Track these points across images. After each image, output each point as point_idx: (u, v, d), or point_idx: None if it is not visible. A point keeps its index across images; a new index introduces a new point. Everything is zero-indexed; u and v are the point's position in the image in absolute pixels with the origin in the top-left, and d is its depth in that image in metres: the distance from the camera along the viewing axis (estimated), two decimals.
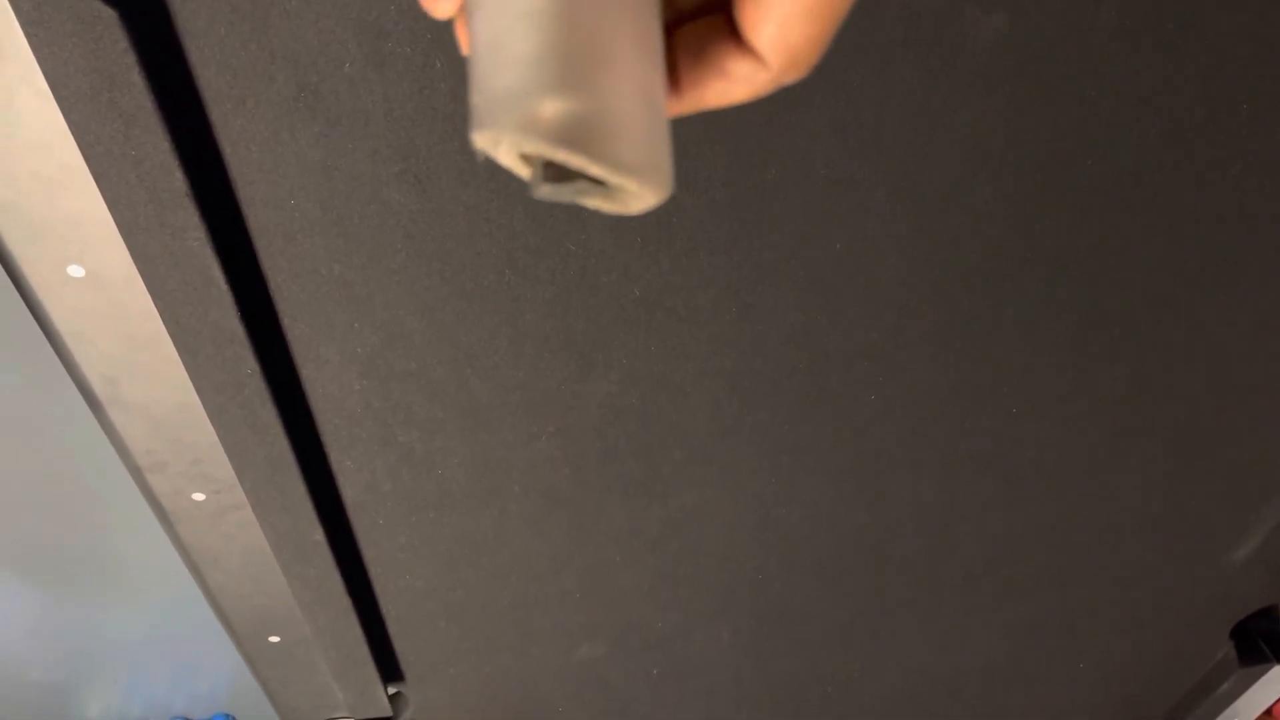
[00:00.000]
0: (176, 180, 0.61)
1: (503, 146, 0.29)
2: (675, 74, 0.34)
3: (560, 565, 0.89)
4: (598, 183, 0.29)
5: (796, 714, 1.12)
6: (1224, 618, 1.07)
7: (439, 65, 0.60)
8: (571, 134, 0.28)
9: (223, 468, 0.73)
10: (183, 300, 0.66)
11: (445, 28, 0.59)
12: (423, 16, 0.59)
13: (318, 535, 0.78)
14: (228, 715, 1.37)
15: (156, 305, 0.65)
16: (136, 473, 0.74)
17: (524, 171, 0.30)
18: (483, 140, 0.29)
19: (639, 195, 0.30)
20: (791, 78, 0.33)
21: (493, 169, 0.64)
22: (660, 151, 0.30)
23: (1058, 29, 0.61)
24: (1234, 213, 0.70)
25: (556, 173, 0.29)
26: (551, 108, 0.27)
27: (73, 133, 0.59)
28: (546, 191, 0.29)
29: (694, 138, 0.64)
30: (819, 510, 0.87)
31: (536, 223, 0.67)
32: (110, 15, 0.55)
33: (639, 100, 0.29)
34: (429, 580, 0.88)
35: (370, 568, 0.85)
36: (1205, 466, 0.89)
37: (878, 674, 1.08)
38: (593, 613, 0.94)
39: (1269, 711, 1.25)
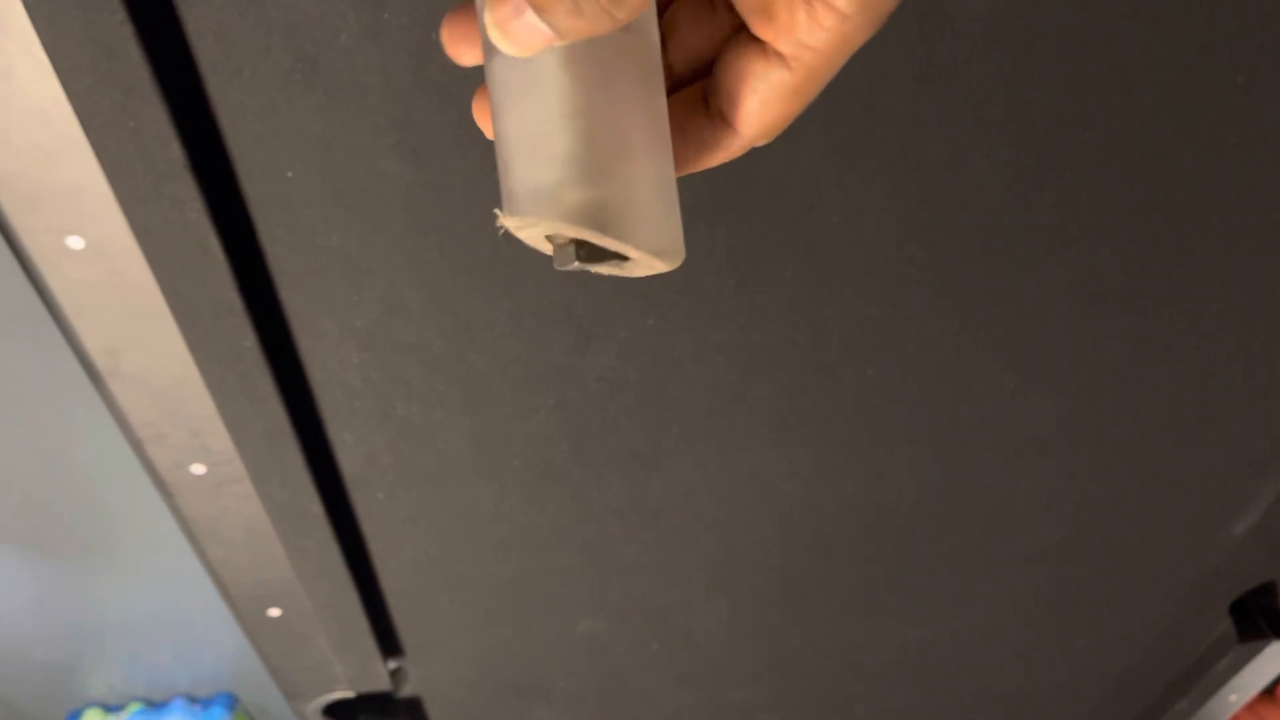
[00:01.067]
0: (175, 151, 0.61)
1: (538, 230, 0.34)
2: None
3: (560, 539, 0.89)
4: (619, 258, 0.34)
5: (797, 687, 1.13)
6: (1223, 593, 1.07)
7: (435, 38, 0.60)
8: (604, 222, 0.32)
9: (222, 440, 0.73)
10: (181, 272, 0.66)
11: (443, 1, 0.59)
12: None
13: (317, 508, 0.79)
14: (230, 694, 1.38)
15: (155, 276, 0.65)
16: (137, 445, 0.74)
17: (547, 248, 0.35)
18: (518, 224, 0.34)
19: (655, 266, 0.35)
20: (764, 142, 0.37)
21: (490, 144, 0.64)
22: (674, 226, 0.35)
23: (1056, 3, 0.61)
24: (1235, 185, 0.70)
25: (584, 251, 0.34)
26: (588, 200, 0.32)
27: (71, 103, 0.59)
28: (574, 267, 0.34)
29: None
30: (818, 483, 0.88)
31: None
32: None
33: (654, 184, 0.34)
34: (429, 554, 0.88)
35: (370, 541, 0.85)
36: (1205, 440, 0.89)
37: (877, 648, 1.08)
38: (593, 587, 0.95)
39: (1269, 689, 1.25)
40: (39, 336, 0.69)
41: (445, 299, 0.71)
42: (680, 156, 0.37)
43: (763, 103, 0.34)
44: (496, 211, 0.35)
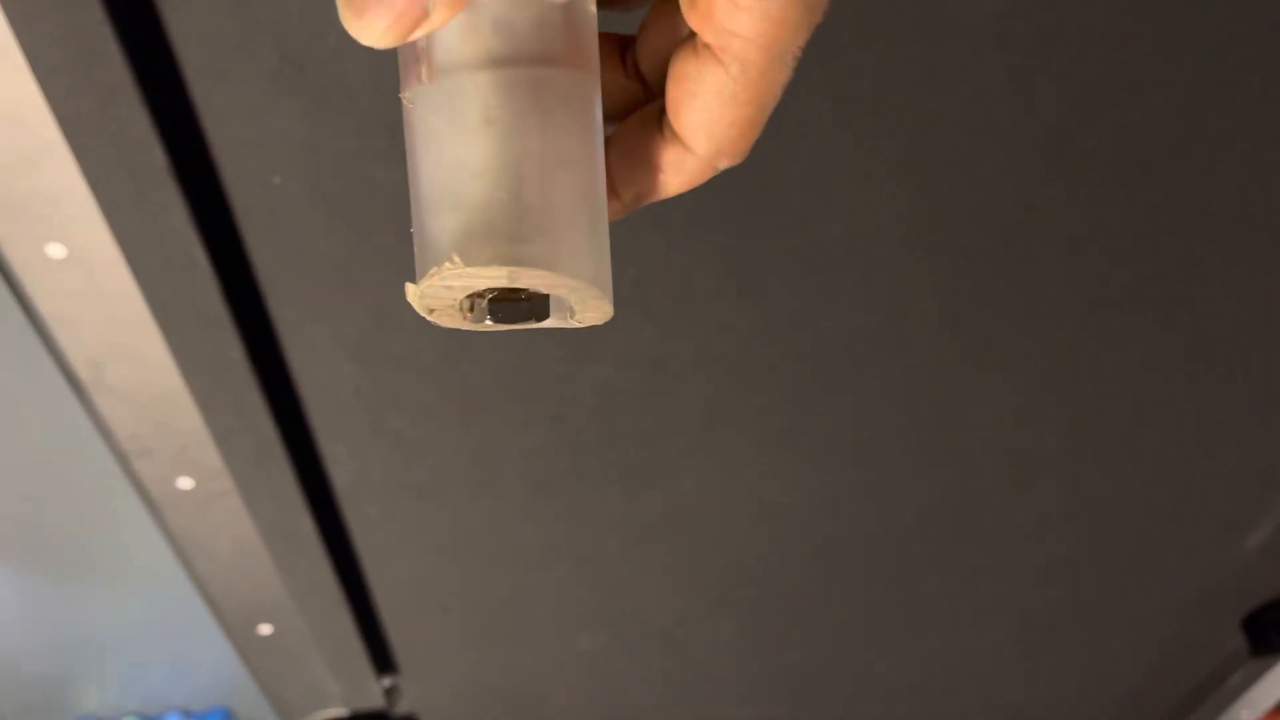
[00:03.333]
0: (157, 157, 0.59)
1: (450, 285, 0.30)
2: (609, 178, 0.33)
3: (556, 554, 0.87)
4: (538, 311, 0.31)
5: (798, 705, 1.11)
6: (1235, 608, 1.05)
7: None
8: (525, 259, 0.29)
9: (210, 454, 0.72)
10: (166, 281, 0.64)
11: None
12: None
13: (307, 523, 0.77)
14: (225, 709, 1.36)
15: (139, 286, 0.64)
16: (123, 459, 0.72)
17: (457, 321, 0.32)
18: (426, 288, 0.30)
19: (587, 306, 0.31)
20: (724, 164, 0.33)
21: None
22: (602, 280, 0.31)
23: (1063, 3, 0.59)
24: (1247, 191, 0.69)
25: (502, 293, 0.30)
26: (505, 243, 0.28)
27: (50, 107, 0.57)
28: (486, 326, 0.31)
29: None
30: (820, 498, 0.86)
31: None
32: None
33: (582, 239, 0.30)
34: (422, 570, 0.86)
35: (362, 557, 0.84)
36: (1217, 453, 0.87)
37: (881, 664, 1.06)
38: (590, 603, 0.93)
39: None
40: (21, 348, 0.68)
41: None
42: (635, 185, 0.34)
43: (704, 109, 0.30)
44: (409, 286, 0.31)
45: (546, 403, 0.76)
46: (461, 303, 0.31)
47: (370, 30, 0.27)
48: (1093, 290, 0.72)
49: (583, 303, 0.31)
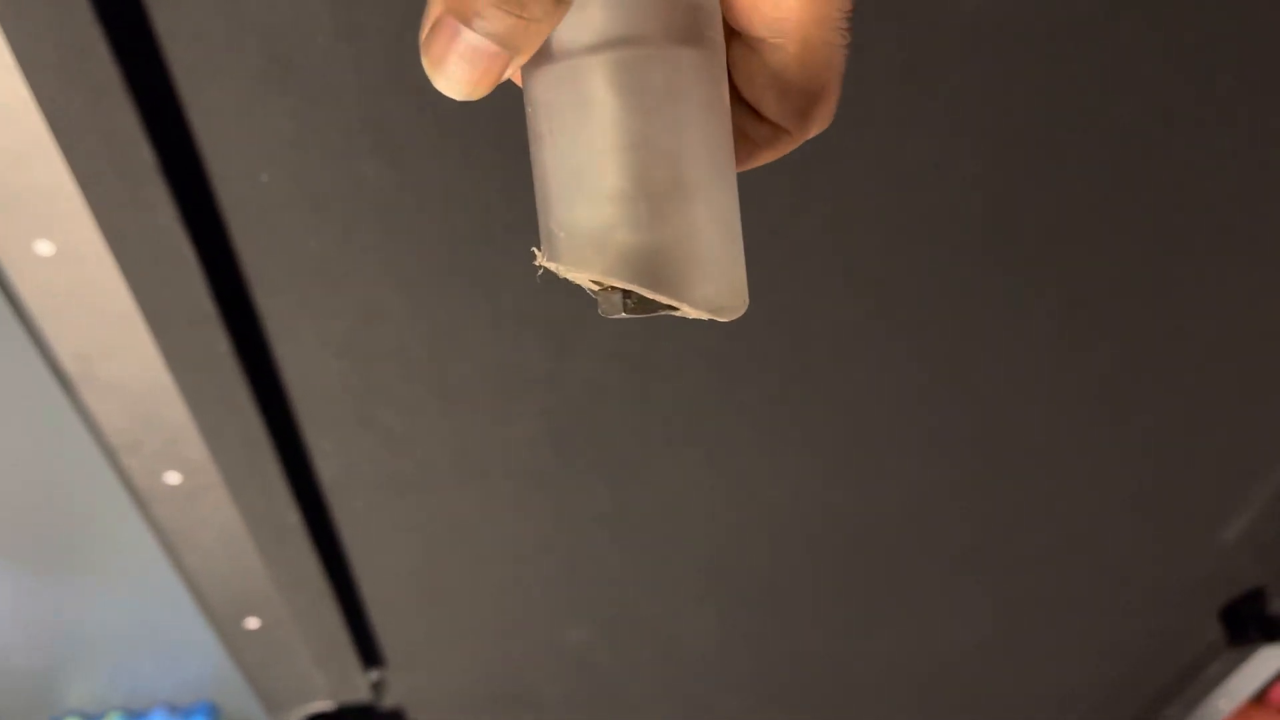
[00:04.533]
0: (146, 154, 0.60)
1: (580, 276, 0.29)
2: None
3: (543, 547, 0.88)
4: (673, 306, 0.29)
5: (785, 695, 1.12)
6: (1213, 599, 1.06)
7: (411, 37, 0.59)
8: (660, 276, 0.28)
9: (197, 448, 0.72)
10: (154, 277, 0.64)
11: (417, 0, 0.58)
12: None
13: (294, 517, 0.78)
14: (210, 703, 1.36)
15: (127, 282, 0.64)
16: (110, 453, 0.73)
17: (594, 290, 0.30)
18: (562, 271, 0.29)
19: (715, 317, 0.30)
20: (816, 131, 0.33)
21: (466, 148, 0.63)
22: (738, 274, 0.31)
23: (1043, 3, 0.60)
24: (1221, 189, 0.70)
25: (633, 300, 0.29)
26: (638, 249, 0.28)
27: (40, 105, 0.57)
28: (621, 316, 0.29)
29: None
30: (805, 490, 0.87)
31: (512, 198, 0.66)
32: None
33: (719, 224, 0.30)
34: (409, 563, 0.87)
35: (349, 550, 0.84)
36: (1193, 446, 0.88)
37: (866, 655, 1.07)
38: (578, 596, 0.93)
39: (1260, 694, 1.24)
40: (8, 343, 0.68)
41: (424, 304, 0.70)
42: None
43: (781, 95, 0.31)
44: (535, 250, 0.31)
45: (532, 397, 0.76)
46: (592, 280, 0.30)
47: (454, 84, 0.27)
48: (1072, 286, 0.73)
49: (715, 310, 0.30)
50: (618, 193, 0.28)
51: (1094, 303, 0.75)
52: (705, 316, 0.30)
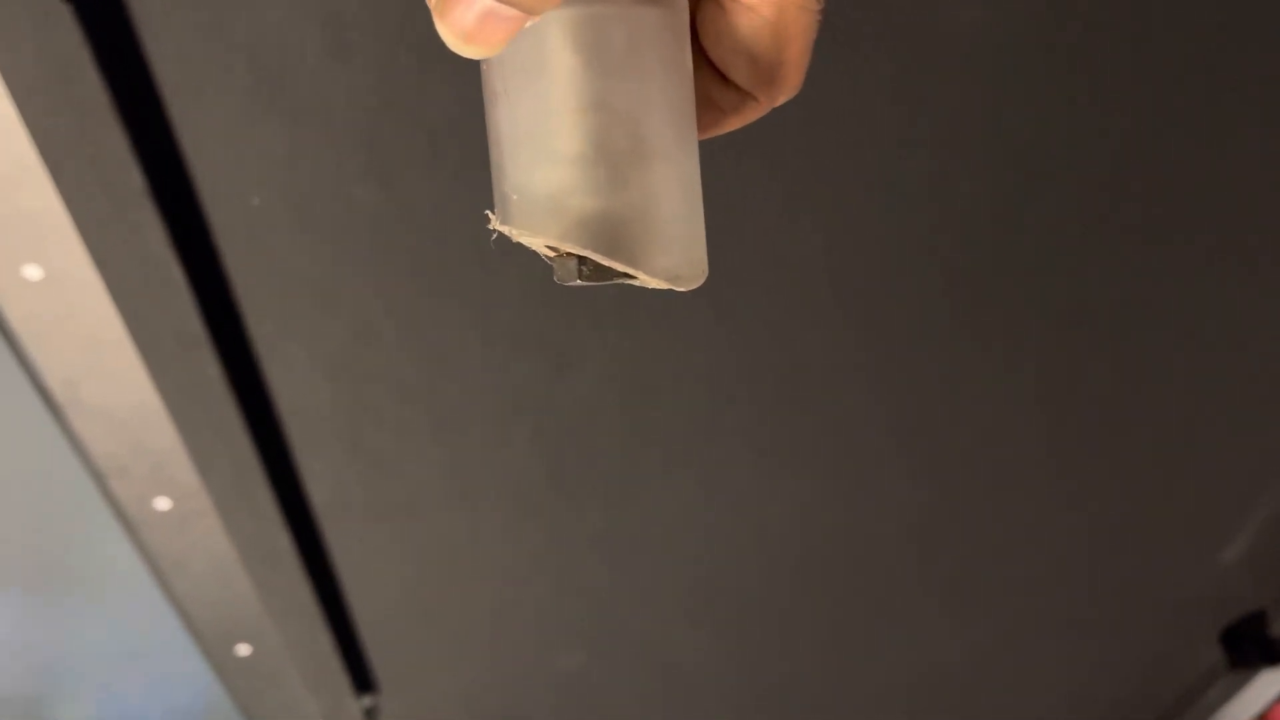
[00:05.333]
0: (134, 177, 0.59)
1: (535, 241, 0.28)
2: None
3: (537, 570, 0.87)
4: (630, 276, 0.29)
5: (780, 717, 1.11)
6: (1213, 621, 1.05)
7: (403, 56, 0.59)
8: (617, 242, 0.27)
9: (187, 472, 0.71)
10: (143, 300, 0.64)
11: (409, 19, 0.57)
12: (385, 7, 0.57)
13: (285, 541, 0.77)
14: None
15: (116, 306, 0.63)
16: (99, 478, 0.72)
17: (549, 256, 0.29)
18: (512, 233, 0.28)
19: (678, 285, 0.29)
20: (782, 100, 0.32)
21: (458, 168, 0.62)
22: (697, 242, 0.30)
23: (1036, 21, 0.60)
24: (1218, 205, 0.69)
25: (589, 267, 0.28)
26: (594, 214, 0.27)
27: (27, 128, 0.57)
28: (577, 284, 0.29)
29: None
30: (801, 510, 0.86)
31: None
32: (64, 9, 0.53)
33: (680, 190, 0.29)
34: (402, 588, 0.86)
35: (341, 575, 0.83)
36: (1192, 467, 0.88)
37: (862, 677, 1.06)
38: (571, 619, 0.92)
39: (1261, 718, 1.24)
40: None
41: (416, 325, 0.70)
42: (697, 123, 0.32)
43: (751, 59, 0.30)
44: (489, 214, 0.30)
45: (525, 419, 0.76)
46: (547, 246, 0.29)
47: (471, 43, 0.26)
48: (1069, 305, 0.73)
49: (677, 281, 0.29)
50: (575, 155, 0.27)
51: (1092, 323, 0.74)
52: (663, 286, 0.29)
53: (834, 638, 1.02)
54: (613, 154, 0.27)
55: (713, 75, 0.32)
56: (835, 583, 0.94)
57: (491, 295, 0.69)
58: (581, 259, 0.28)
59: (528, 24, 0.26)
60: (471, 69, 0.59)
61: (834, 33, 0.59)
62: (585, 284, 0.29)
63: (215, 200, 0.63)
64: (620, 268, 0.28)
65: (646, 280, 0.29)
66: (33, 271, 0.62)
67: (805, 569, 0.92)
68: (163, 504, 0.74)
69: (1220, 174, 0.67)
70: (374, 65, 0.59)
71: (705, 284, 0.72)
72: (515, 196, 0.28)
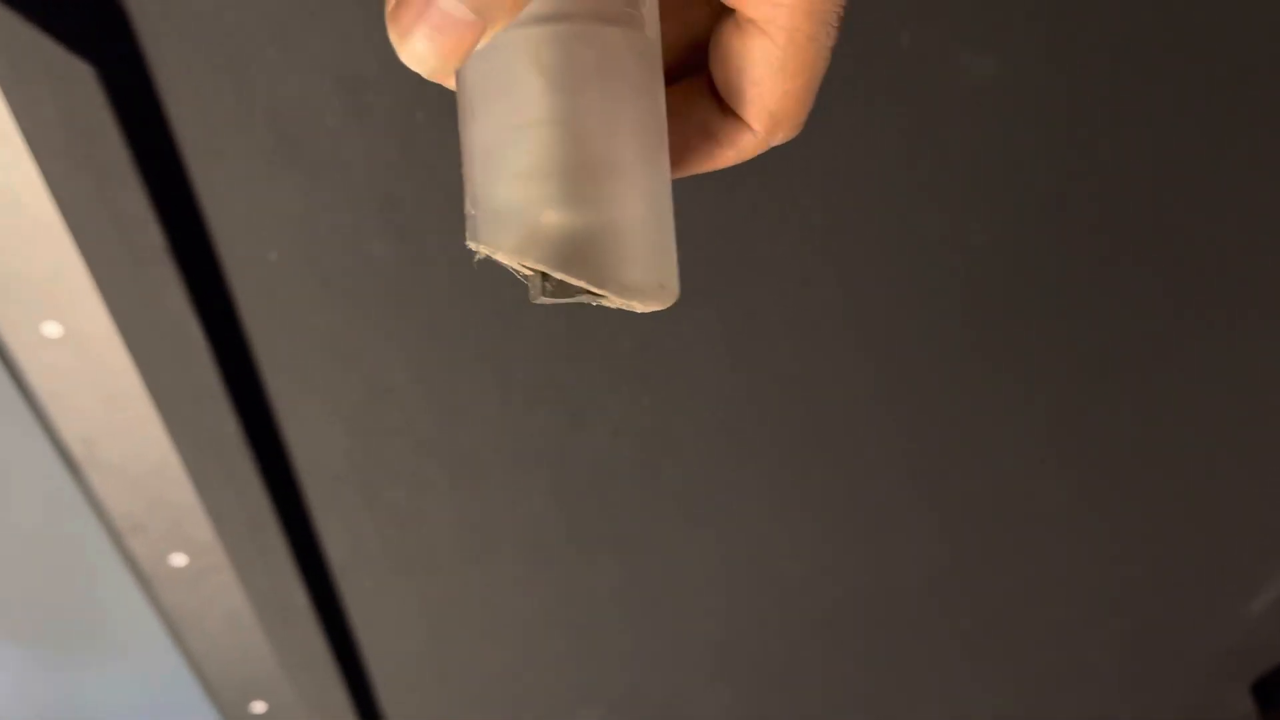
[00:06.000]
0: (154, 235, 0.59)
1: (501, 256, 0.28)
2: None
3: (553, 626, 0.86)
4: (593, 294, 0.28)
5: None
6: (1244, 672, 1.03)
7: (420, 117, 0.59)
8: (573, 258, 0.27)
9: (203, 529, 0.71)
10: (161, 357, 0.64)
11: (429, 82, 0.58)
12: (404, 69, 0.58)
13: (302, 598, 0.76)
14: None
15: (135, 362, 0.64)
16: (115, 536, 0.72)
17: (521, 274, 0.29)
18: (482, 249, 0.28)
19: (643, 306, 0.29)
20: (780, 138, 0.31)
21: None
22: (665, 262, 0.29)
23: (1048, 71, 0.60)
24: (1236, 250, 0.69)
25: (552, 284, 0.28)
26: (551, 229, 0.27)
27: (49, 188, 0.57)
28: (546, 300, 0.28)
29: (678, 183, 0.62)
30: (820, 565, 0.85)
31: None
32: (87, 70, 0.54)
33: (644, 208, 0.29)
34: (418, 643, 0.85)
35: (357, 630, 0.83)
36: (1218, 514, 0.87)
37: None
38: (589, 675, 0.91)
39: None
40: (13, 424, 0.67)
41: (433, 380, 0.70)
42: (686, 150, 0.32)
43: (757, 85, 0.30)
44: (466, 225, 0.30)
45: (542, 472, 0.75)
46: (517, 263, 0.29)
47: (423, 58, 0.25)
48: (1092, 349, 0.72)
49: (643, 301, 0.29)
50: (535, 170, 0.27)
51: (1115, 367, 0.74)
52: (624, 305, 0.29)
53: (853, 692, 1.00)
54: (570, 169, 0.27)
55: (713, 102, 0.31)
56: (855, 636, 0.93)
57: (508, 349, 0.69)
58: (546, 275, 0.28)
59: (487, 39, 0.25)
60: None
61: (849, 85, 0.59)
62: (553, 301, 0.28)
63: (234, 257, 0.63)
64: (578, 283, 0.28)
65: (610, 299, 0.28)
66: (52, 329, 0.62)
67: (827, 623, 0.91)
68: (179, 560, 0.74)
69: (1243, 215, 0.67)
70: (392, 124, 0.59)
71: (721, 333, 0.72)
72: (475, 212, 0.28)
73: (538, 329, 0.68)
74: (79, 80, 0.54)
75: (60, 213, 0.58)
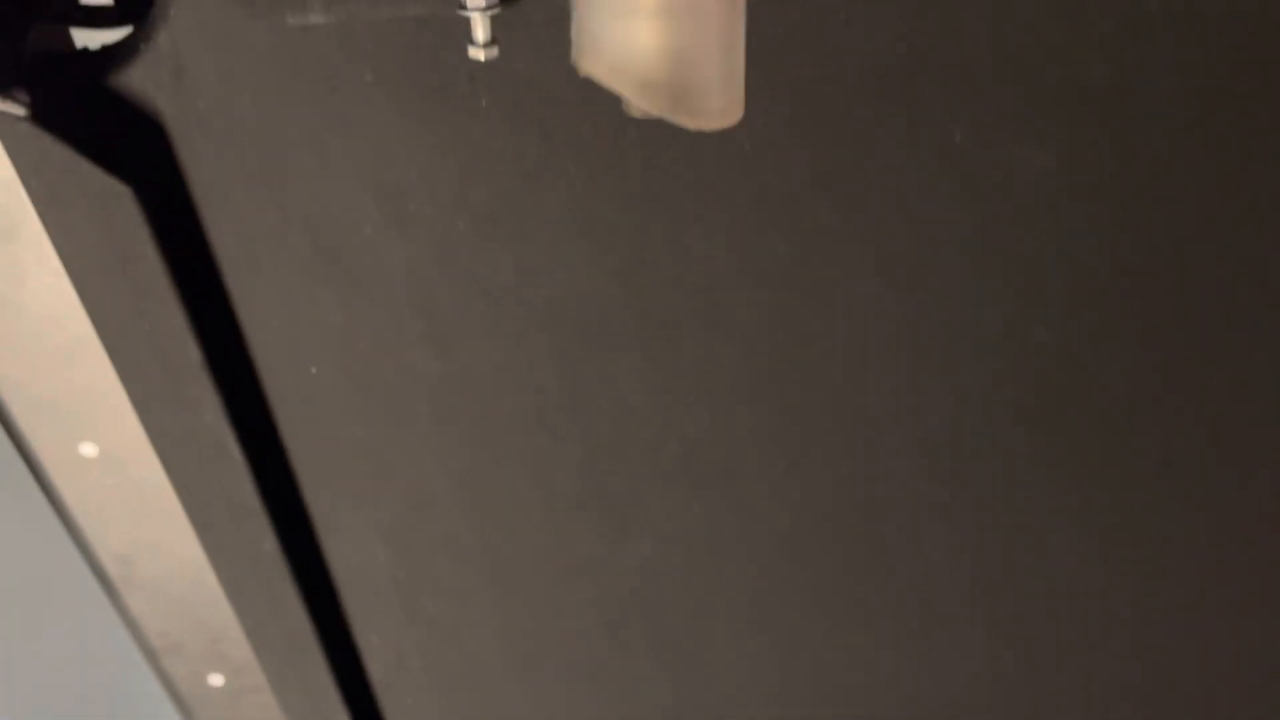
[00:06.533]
0: (191, 353, 0.58)
1: (595, 76, 0.33)
2: None
3: None
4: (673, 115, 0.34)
5: None
6: None
7: (462, 225, 0.58)
8: (648, 88, 0.32)
9: (241, 648, 0.69)
10: (198, 475, 0.63)
11: (468, 188, 0.57)
12: (445, 177, 0.56)
13: (342, 717, 0.74)
14: None
15: (171, 480, 0.62)
16: (152, 655, 0.70)
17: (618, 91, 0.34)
18: (581, 69, 0.34)
19: (711, 127, 0.35)
20: None
21: (519, 333, 0.61)
22: (734, 89, 0.35)
23: (1108, 164, 0.58)
24: None
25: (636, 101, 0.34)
26: (636, 62, 0.32)
27: (86, 309, 0.57)
28: (637, 113, 0.34)
29: (728, 285, 0.61)
30: (880, 675, 0.81)
31: (566, 380, 0.63)
32: (125, 191, 0.54)
33: (719, 46, 0.33)
34: None
35: None
36: None
37: None
38: None
39: None
40: (49, 544, 0.66)
41: (474, 490, 0.68)
42: None
43: None
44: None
45: (586, 584, 0.73)
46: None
47: None
48: (1160, 452, 0.69)
49: (711, 124, 0.35)
50: (630, 7, 0.31)
51: (1183, 474, 0.70)
52: (696, 127, 0.34)
53: None
54: (660, 8, 0.31)
55: None
56: None
57: (552, 457, 0.67)
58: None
59: None
60: (532, 236, 0.58)
61: (901, 182, 0.57)
62: (641, 115, 0.34)
63: (272, 370, 0.62)
64: (656, 106, 0.33)
65: (685, 123, 0.34)
66: (89, 449, 0.61)
67: None
68: (216, 680, 0.72)
69: None
70: (434, 235, 0.58)
71: (773, 436, 0.69)
72: (577, 36, 0.33)
73: (581, 435, 0.66)
74: (116, 200, 0.54)
75: (98, 333, 0.57)
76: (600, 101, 0.54)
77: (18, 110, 0.50)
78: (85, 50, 0.55)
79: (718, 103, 0.34)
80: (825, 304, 0.63)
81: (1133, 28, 0.51)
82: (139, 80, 0.52)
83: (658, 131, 0.55)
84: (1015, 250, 0.60)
